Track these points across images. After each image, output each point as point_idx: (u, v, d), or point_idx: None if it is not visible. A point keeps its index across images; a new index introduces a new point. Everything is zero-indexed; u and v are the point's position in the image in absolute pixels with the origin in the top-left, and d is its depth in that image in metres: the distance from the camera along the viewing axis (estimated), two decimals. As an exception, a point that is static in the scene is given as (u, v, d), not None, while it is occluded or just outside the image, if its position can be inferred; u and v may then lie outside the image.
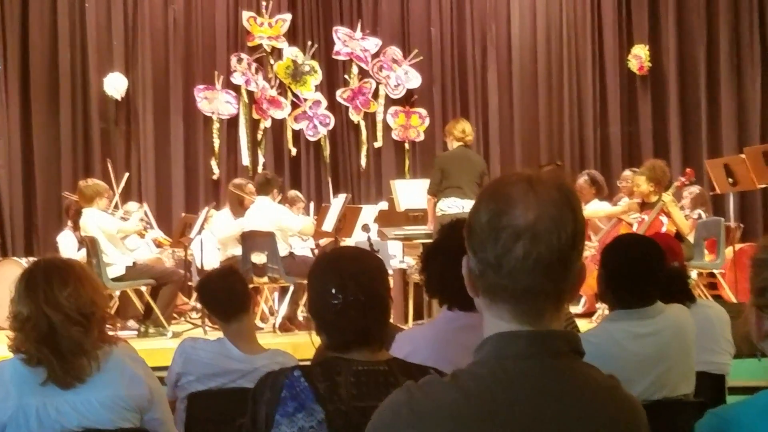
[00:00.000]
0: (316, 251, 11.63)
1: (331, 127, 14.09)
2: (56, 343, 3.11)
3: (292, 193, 12.29)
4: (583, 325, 6.84)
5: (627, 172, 10.90)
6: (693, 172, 9.88)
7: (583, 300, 10.35)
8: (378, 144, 14.21)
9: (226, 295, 4.35)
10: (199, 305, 10.00)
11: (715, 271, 10.10)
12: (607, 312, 4.39)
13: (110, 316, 3.36)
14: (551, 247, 1.64)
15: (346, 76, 14.22)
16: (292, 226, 10.01)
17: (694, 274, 9.14)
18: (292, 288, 9.92)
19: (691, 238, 9.59)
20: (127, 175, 11.67)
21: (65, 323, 3.11)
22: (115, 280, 9.50)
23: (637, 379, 3.57)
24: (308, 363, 4.30)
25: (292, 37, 14.06)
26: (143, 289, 9.80)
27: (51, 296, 3.14)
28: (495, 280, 1.68)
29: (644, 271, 3.68)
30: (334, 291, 2.60)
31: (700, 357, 4.05)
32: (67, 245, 10.58)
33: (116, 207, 10.64)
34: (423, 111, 14.30)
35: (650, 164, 9.61)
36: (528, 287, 1.66)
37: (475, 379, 1.66)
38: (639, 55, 14.15)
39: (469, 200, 9.35)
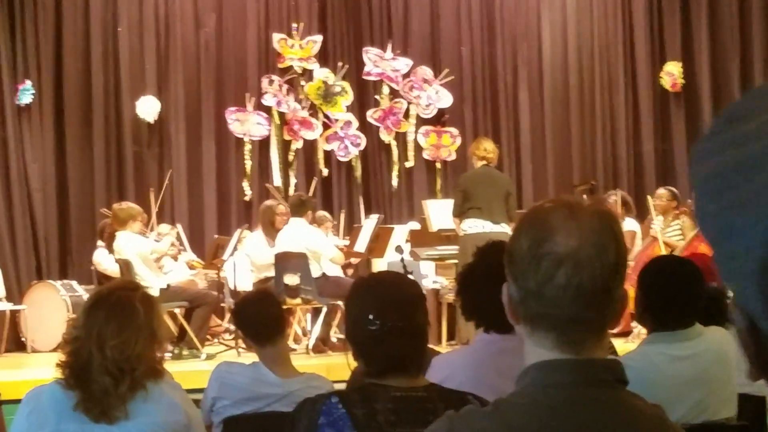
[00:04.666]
0: (349, 271, 11.65)
1: (362, 147, 14.09)
2: (86, 381, 3.11)
3: (320, 213, 12.28)
4: (619, 344, 6.80)
5: (661, 191, 10.84)
6: None
7: (617, 319, 10.25)
8: (409, 164, 14.20)
9: (262, 319, 4.34)
10: (232, 327, 10.01)
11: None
12: (642, 331, 4.34)
13: (160, 362, 3.31)
14: (593, 276, 1.62)
15: (376, 97, 14.23)
16: (323, 253, 9.96)
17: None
18: (325, 309, 9.92)
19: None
20: (170, 171, 11.79)
21: (100, 368, 3.09)
22: (149, 302, 9.51)
23: (677, 403, 3.53)
24: (343, 384, 4.30)
25: (322, 58, 14.09)
26: (177, 311, 9.82)
27: (102, 337, 3.11)
28: (536, 309, 1.66)
29: (684, 293, 3.64)
30: (372, 317, 2.59)
31: (739, 379, 4.00)
32: (106, 261, 10.62)
33: (151, 228, 10.70)
34: (454, 130, 14.28)
35: None
36: (570, 316, 1.64)
37: (517, 409, 1.64)
38: (672, 72, 14.08)
39: (490, 221, 9.31)
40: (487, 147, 9.75)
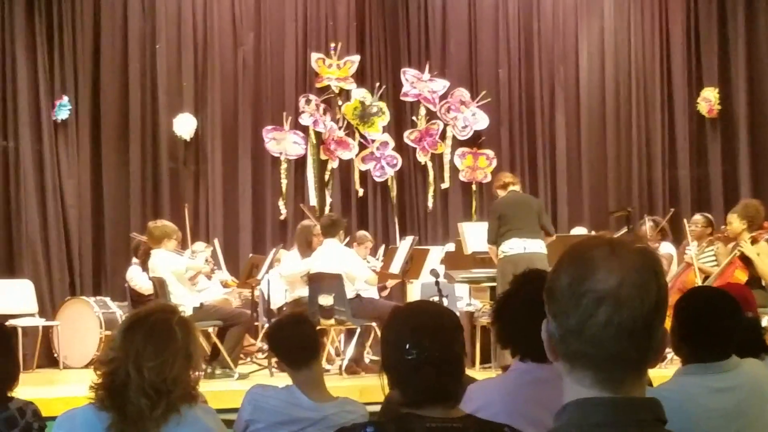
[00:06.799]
0: (384, 293, 11.65)
1: (398, 168, 14.10)
2: (122, 403, 3.10)
3: (361, 233, 12.33)
4: (652, 371, 6.73)
5: (697, 216, 10.78)
6: None
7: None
8: (445, 185, 14.20)
9: (297, 343, 4.33)
10: (265, 346, 10.01)
11: (789, 317, 9.88)
12: (675, 356, 4.29)
13: (194, 386, 3.30)
14: (634, 314, 1.61)
15: (413, 118, 14.24)
16: (357, 274, 9.96)
17: (765, 320, 8.97)
18: (358, 330, 9.91)
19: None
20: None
21: (137, 390, 3.09)
22: (182, 321, 9.52)
23: (713, 436, 3.50)
24: (376, 407, 4.27)
25: (360, 78, 14.13)
26: (210, 330, 9.83)
27: (139, 358, 3.10)
28: (576, 346, 1.65)
29: (722, 326, 3.60)
30: (408, 347, 2.57)
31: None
32: (139, 278, 10.65)
33: (185, 246, 10.73)
34: (490, 152, 14.27)
35: (744, 202, 9.66)
36: (610, 354, 1.63)
37: (556, 447, 1.63)
38: (709, 98, 14.04)
39: (529, 239, 9.35)
40: (506, 178, 9.95)
